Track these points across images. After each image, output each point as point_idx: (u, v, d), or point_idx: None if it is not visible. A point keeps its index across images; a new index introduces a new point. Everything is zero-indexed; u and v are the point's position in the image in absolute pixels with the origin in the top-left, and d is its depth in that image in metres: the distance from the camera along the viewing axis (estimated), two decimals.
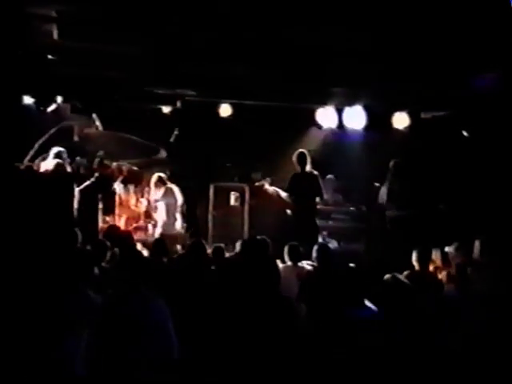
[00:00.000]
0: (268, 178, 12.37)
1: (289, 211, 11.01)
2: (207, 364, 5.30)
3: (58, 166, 10.00)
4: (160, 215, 11.62)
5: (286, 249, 8.04)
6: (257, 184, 12.33)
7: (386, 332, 5.23)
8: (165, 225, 11.51)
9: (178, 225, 11.66)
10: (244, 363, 5.23)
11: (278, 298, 5.78)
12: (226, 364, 5.27)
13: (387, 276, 5.82)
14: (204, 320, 5.72)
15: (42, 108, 10.40)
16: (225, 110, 11.66)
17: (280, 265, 7.46)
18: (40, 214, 6.38)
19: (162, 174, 11.73)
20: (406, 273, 7.11)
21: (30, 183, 6.49)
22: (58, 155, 10.36)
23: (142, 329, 4.79)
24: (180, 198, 11.66)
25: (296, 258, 7.96)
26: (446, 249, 8.58)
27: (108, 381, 4.33)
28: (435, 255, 8.44)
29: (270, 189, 11.59)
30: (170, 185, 11.68)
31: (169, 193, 11.63)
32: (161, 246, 8.10)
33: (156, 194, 11.67)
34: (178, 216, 11.67)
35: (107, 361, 4.51)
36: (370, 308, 5.79)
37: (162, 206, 11.60)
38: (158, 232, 11.41)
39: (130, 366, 4.62)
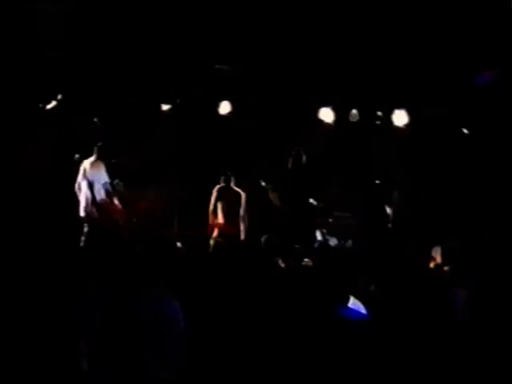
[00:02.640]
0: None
1: (277, 203, 10.84)
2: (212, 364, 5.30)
3: None
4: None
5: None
6: (256, 182, 12.31)
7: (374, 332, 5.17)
8: None
9: None
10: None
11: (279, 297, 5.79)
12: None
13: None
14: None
15: (41, 105, 10.39)
16: (224, 107, 11.65)
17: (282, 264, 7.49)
18: (43, 211, 6.38)
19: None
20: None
21: (33, 181, 6.48)
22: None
23: (154, 330, 4.64)
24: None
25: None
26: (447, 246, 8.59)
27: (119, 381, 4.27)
28: (436, 252, 8.45)
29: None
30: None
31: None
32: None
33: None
34: None
35: (117, 360, 4.42)
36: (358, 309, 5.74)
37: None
38: None
39: (142, 366, 4.52)
